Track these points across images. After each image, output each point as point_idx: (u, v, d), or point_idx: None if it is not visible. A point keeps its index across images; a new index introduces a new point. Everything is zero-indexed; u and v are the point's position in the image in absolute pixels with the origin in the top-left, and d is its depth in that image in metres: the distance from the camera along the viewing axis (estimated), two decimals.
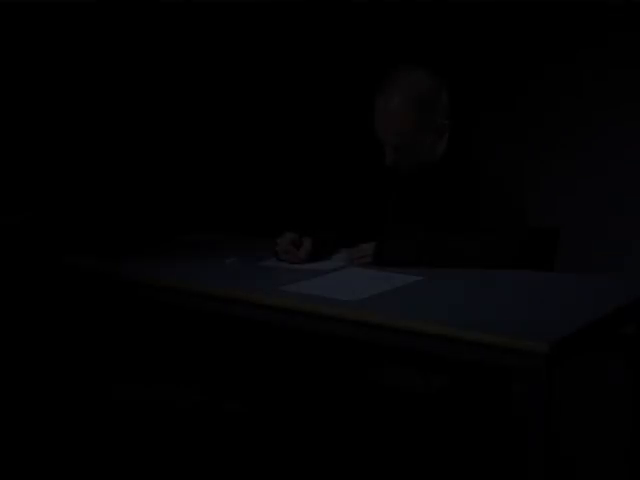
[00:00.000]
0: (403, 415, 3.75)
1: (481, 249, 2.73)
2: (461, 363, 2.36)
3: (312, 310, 2.44)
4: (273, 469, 2.92)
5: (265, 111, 5.52)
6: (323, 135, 5.25)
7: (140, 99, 5.98)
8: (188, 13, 5.70)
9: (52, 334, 3.04)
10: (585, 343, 2.30)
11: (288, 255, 2.84)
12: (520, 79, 4.72)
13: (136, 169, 6.12)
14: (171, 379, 4.16)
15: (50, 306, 3.06)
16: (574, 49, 4.57)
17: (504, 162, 2.88)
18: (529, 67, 4.69)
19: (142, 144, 6.06)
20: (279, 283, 2.62)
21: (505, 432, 2.68)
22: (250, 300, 2.56)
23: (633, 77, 4.46)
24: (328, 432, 2.96)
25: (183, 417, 3.47)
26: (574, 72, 4.58)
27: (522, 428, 2.26)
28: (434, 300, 2.48)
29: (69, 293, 3.03)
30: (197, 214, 5.46)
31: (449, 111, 2.80)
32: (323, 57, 5.27)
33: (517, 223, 2.74)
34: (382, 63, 2.94)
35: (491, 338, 2.17)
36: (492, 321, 2.27)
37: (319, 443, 2.90)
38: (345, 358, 2.99)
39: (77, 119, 5.89)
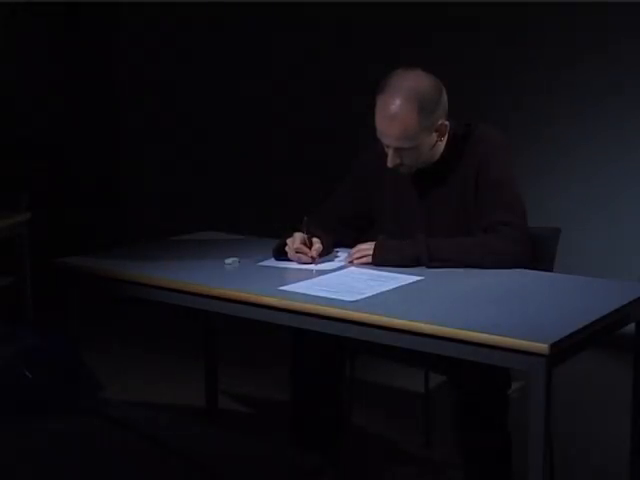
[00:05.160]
0: (402, 414, 3.75)
1: (481, 249, 2.73)
2: (461, 363, 2.36)
3: (312, 310, 2.44)
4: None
5: (265, 111, 5.52)
6: (323, 135, 5.26)
7: (140, 98, 5.99)
8: (191, 11, 5.70)
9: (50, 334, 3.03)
10: (585, 343, 2.30)
11: (300, 255, 2.84)
12: (520, 79, 4.72)
13: (136, 169, 6.13)
14: (170, 378, 4.16)
15: (48, 306, 3.06)
16: (573, 51, 4.57)
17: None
18: (529, 67, 4.69)
19: (143, 144, 6.07)
20: (279, 283, 2.61)
21: (505, 432, 2.68)
22: (250, 300, 2.56)
23: (634, 78, 4.46)
24: (325, 431, 2.95)
25: (182, 417, 3.47)
26: (574, 72, 4.58)
27: (522, 428, 2.26)
28: (434, 300, 2.48)
29: (67, 294, 3.02)
30: (197, 214, 5.47)
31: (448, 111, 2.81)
32: (324, 57, 5.27)
33: (517, 222, 2.74)
34: (382, 64, 2.94)
35: (491, 338, 2.17)
36: (492, 321, 2.27)
37: (314, 442, 2.89)
38: (344, 357, 2.99)
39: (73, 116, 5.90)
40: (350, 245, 2.91)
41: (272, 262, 2.89)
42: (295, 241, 2.84)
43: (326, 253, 2.91)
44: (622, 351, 2.80)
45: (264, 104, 5.48)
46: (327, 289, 2.55)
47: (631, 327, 2.53)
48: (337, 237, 2.99)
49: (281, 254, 2.88)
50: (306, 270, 2.79)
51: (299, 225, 2.87)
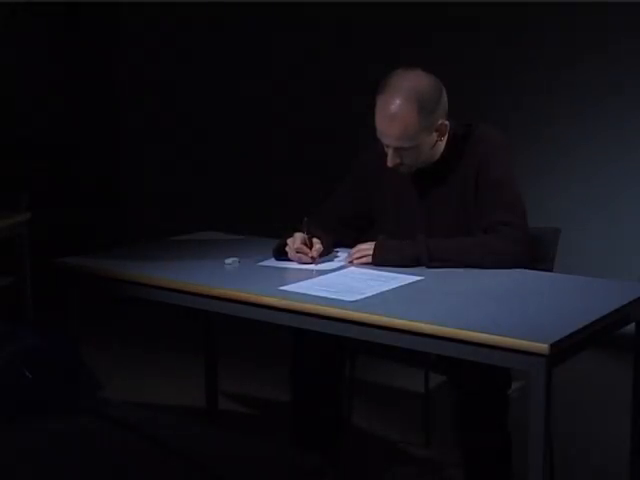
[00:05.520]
0: (402, 414, 3.75)
1: (481, 249, 2.73)
2: (461, 363, 2.36)
3: (312, 310, 2.44)
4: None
5: (265, 111, 5.52)
6: (323, 135, 5.25)
7: (140, 98, 5.98)
8: (191, 11, 5.69)
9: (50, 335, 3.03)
10: (585, 343, 2.30)
11: (300, 255, 2.84)
12: (520, 79, 4.72)
13: (136, 169, 6.12)
14: (170, 378, 4.16)
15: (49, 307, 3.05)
16: (573, 51, 4.57)
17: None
18: (529, 67, 4.69)
19: (143, 144, 6.07)
20: (279, 283, 2.61)
21: (505, 432, 2.68)
22: (250, 300, 2.56)
23: (634, 78, 4.46)
24: (325, 431, 2.95)
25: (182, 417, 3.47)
26: (574, 72, 4.58)
27: (522, 428, 2.26)
28: (434, 300, 2.48)
29: (67, 294, 3.02)
30: (197, 214, 5.47)
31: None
32: (324, 57, 5.27)
33: (518, 222, 2.74)
34: (382, 64, 2.94)
35: (491, 338, 2.17)
36: (492, 321, 2.27)
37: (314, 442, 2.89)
38: (344, 357, 2.99)
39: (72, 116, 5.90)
40: (350, 245, 2.91)
41: (272, 262, 2.89)
42: (295, 241, 2.85)
43: (326, 253, 2.91)
44: (622, 351, 2.80)
45: (264, 104, 5.48)
46: (327, 289, 2.55)
47: (631, 327, 2.53)
48: (337, 237, 2.99)
49: (281, 254, 2.88)
50: (306, 270, 2.79)
51: (299, 225, 2.87)
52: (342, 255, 2.93)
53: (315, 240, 2.86)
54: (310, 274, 2.74)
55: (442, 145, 2.83)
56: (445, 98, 2.79)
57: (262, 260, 2.90)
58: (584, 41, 4.54)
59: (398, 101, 2.70)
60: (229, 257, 2.89)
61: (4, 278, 4.35)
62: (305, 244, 2.85)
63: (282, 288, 2.57)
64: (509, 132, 3.14)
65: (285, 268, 2.83)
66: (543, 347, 2.10)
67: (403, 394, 3.95)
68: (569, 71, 4.59)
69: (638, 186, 4.51)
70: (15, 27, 5.57)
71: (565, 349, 2.18)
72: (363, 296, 2.48)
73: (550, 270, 2.89)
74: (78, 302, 3.00)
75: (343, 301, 2.44)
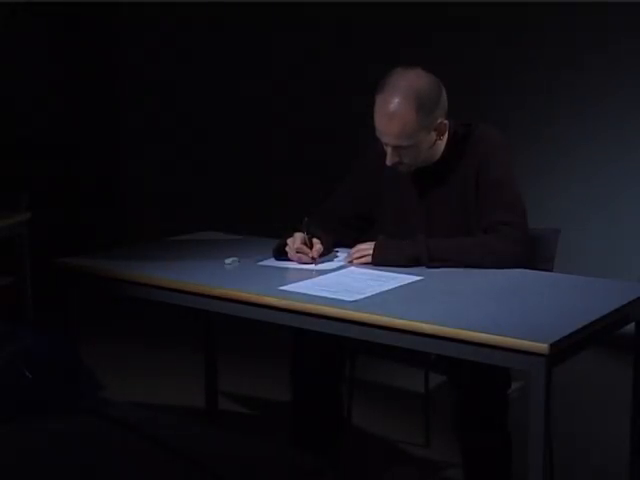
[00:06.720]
0: (402, 414, 3.75)
1: (481, 249, 2.72)
2: (461, 363, 2.36)
3: (312, 310, 2.44)
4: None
5: (265, 111, 5.52)
6: (323, 135, 5.26)
7: (140, 98, 5.99)
8: (191, 11, 5.70)
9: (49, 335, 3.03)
10: (585, 343, 2.30)
11: (300, 255, 2.83)
12: (520, 79, 4.72)
13: (136, 169, 6.13)
14: (170, 378, 4.16)
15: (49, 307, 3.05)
16: (573, 51, 4.57)
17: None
18: (529, 67, 4.69)
19: (143, 144, 6.07)
20: (279, 283, 2.61)
21: (505, 432, 2.68)
22: (250, 300, 2.56)
23: (634, 78, 4.46)
24: (325, 431, 2.95)
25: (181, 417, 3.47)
26: (574, 72, 4.58)
27: (522, 428, 2.26)
28: (434, 300, 2.48)
29: (67, 294, 3.01)
30: (197, 214, 5.47)
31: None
32: (324, 57, 5.27)
33: (518, 222, 2.74)
34: (382, 64, 2.94)
35: (491, 338, 2.17)
36: (492, 321, 2.27)
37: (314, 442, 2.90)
38: (344, 357, 2.99)
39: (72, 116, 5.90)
40: (350, 245, 2.91)
41: (272, 262, 2.88)
42: (296, 241, 2.85)
43: (326, 253, 2.91)
44: (622, 351, 2.80)
45: (264, 104, 5.48)
46: (327, 289, 2.55)
47: (631, 327, 2.53)
48: (337, 237, 2.99)
49: (281, 254, 2.88)
50: (306, 270, 2.79)
51: (299, 225, 2.87)
52: (342, 255, 2.93)
53: (315, 240, 2.86)
54: (310, 274, 2.74)
55: (442, 145, 2.83)
56: (445, 97, 2.79)
57: (262, 260, 2.90)
58: (584, 41, 4.54)
59: (397, 100, 2.70)
60: (229, 257, 2.89)
61: (4, 278, 4.35)
62: (305, 244, 2.85)
63: (282, 288, 2.57)
64: (509, 132, 3.14)
65: (285, 268, 2.83)
66: (543, 347, 2.10)
67: (403, 394, 3.95)
68: (569, 71, 4.59)
69: (638, 186, 4.51)
70: (15, 27, 5.57)
71: (565, 349, 2.18)
72: (363, 296, 2.48)
73: (550, 270, 2.89)
74: (78, 302, 3.00)
75: (343, 301, 2.44)
